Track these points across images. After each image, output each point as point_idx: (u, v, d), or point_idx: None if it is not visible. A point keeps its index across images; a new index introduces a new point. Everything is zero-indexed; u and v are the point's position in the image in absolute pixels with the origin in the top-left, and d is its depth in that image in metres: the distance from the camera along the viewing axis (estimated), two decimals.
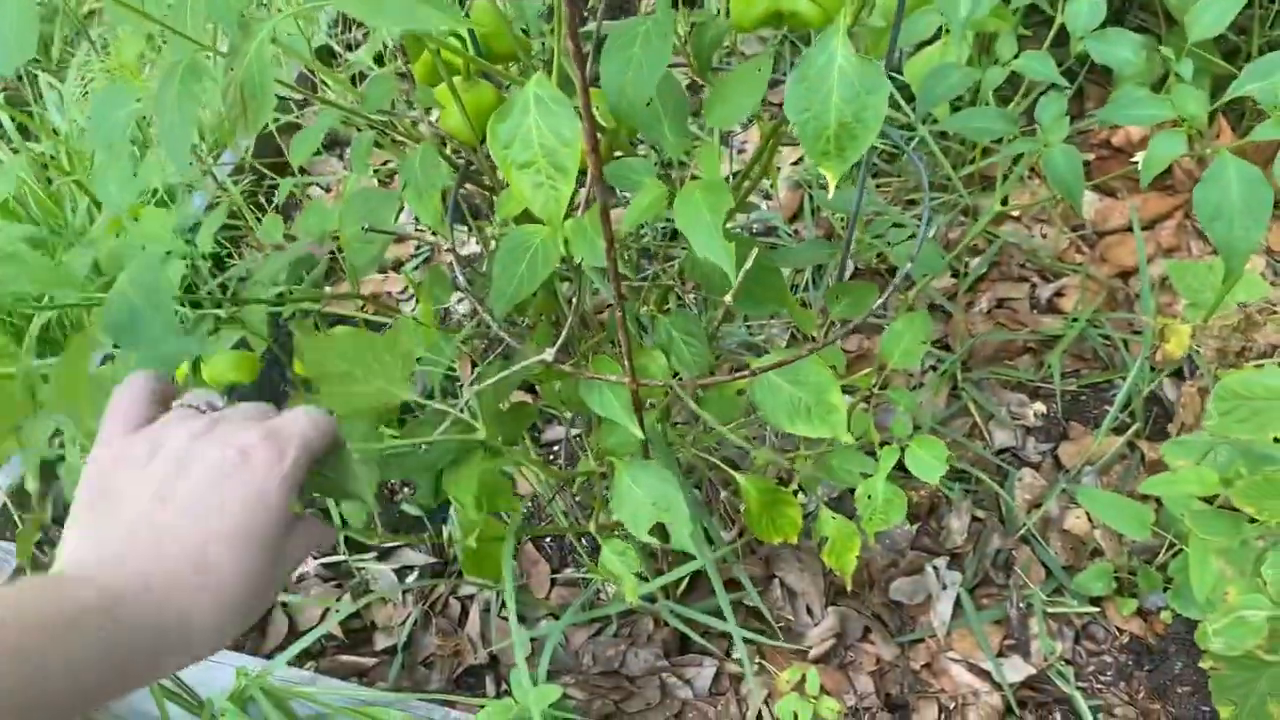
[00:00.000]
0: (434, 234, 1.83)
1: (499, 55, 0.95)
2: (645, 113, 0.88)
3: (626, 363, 0.82)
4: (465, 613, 1.37)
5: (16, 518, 1.41)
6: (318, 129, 0.94)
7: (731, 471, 1.04)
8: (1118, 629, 1.31)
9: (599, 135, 0.71)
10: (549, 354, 0.76)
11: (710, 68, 0.90)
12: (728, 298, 0.87)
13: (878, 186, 1.73)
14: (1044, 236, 1.71)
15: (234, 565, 0.52)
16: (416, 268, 1.77)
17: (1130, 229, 1.69)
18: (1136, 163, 1.64)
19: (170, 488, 0.53)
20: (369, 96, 0.94)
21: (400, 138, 1.38)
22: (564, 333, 0.79)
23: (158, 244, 0.67)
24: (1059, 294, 1.64)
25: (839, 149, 0.68)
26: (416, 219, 1.85)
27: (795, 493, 1.09)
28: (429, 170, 0.90)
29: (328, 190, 1.91)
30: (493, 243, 1.27)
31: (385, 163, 2.02)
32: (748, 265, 0.86)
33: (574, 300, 1.01)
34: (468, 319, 1.71)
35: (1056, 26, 1.14)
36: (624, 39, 0.78)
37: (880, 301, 1.00)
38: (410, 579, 1.40)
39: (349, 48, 1.95)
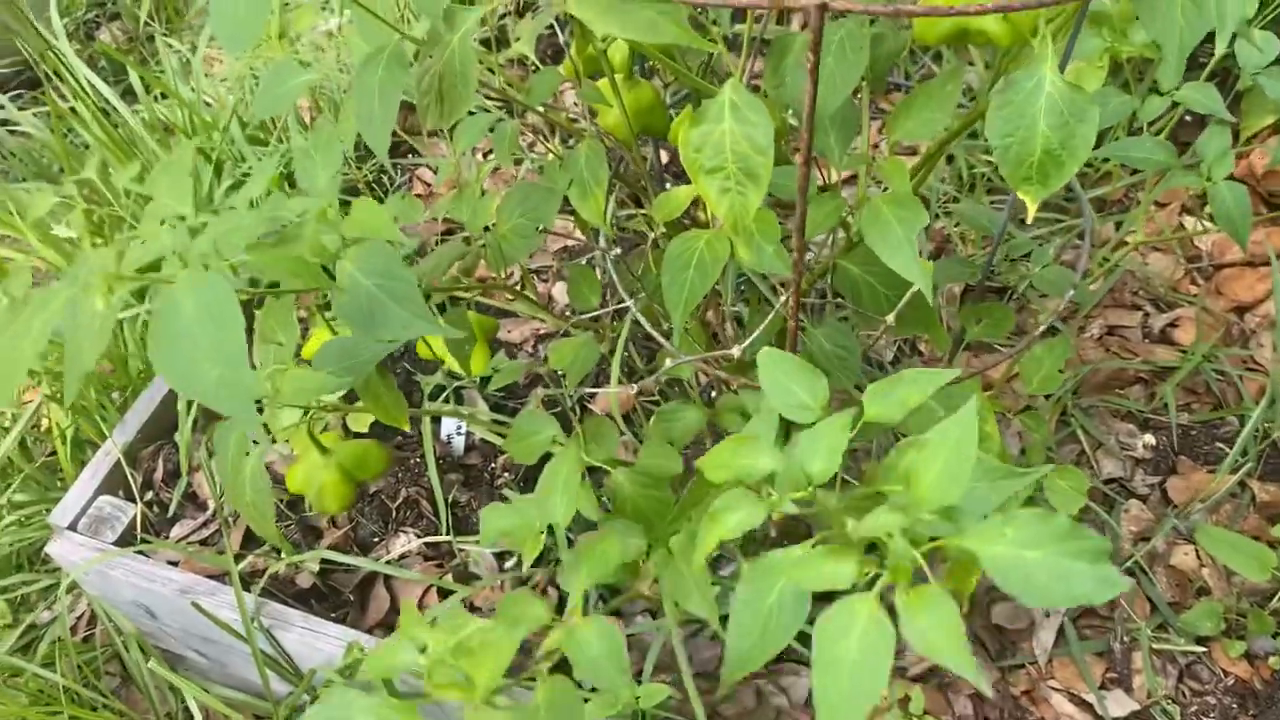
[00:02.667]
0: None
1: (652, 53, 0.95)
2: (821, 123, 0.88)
3: None
4: (564, 599, 1.37)
5: (128, 474, 1.44)
6: (486, 119, 0.95)
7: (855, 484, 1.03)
8: (1223, 670, 1.29)
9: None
10: (737, 350, 0.76)
11: (885, 81, 0.89)
12: (889, 317, 0.86)
13: (992, 203, 1.71)
14: (1180, 262, 1.68)
15: None
16: None
17: (1249, 264, 1.66)
18: None
19: None
20: (534, 88, 0.94)
21: (529, 131, 1.38)
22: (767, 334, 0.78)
23: (377, 234, 0.67)
24: (1172, 324, 1.62)
25: (1042, 176, 0.67)
26: None
27: None
28: (595, 167, 0.90)
29: (435, 171, 1.92)
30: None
31: (487, 152, 2.03)
32: (914, 288, 0.85)
33: (720, 302, 1.01)
34: (570, 309, 1.72)
35: (1217, 59, 1.12)
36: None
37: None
38: (509, 564, 1.41)
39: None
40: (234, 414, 0.57)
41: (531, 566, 1.41)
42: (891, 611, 0.55)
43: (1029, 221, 0.71)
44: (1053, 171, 0.68)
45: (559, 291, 1.75)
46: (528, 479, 1.49)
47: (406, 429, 0.88)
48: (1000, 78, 0.89)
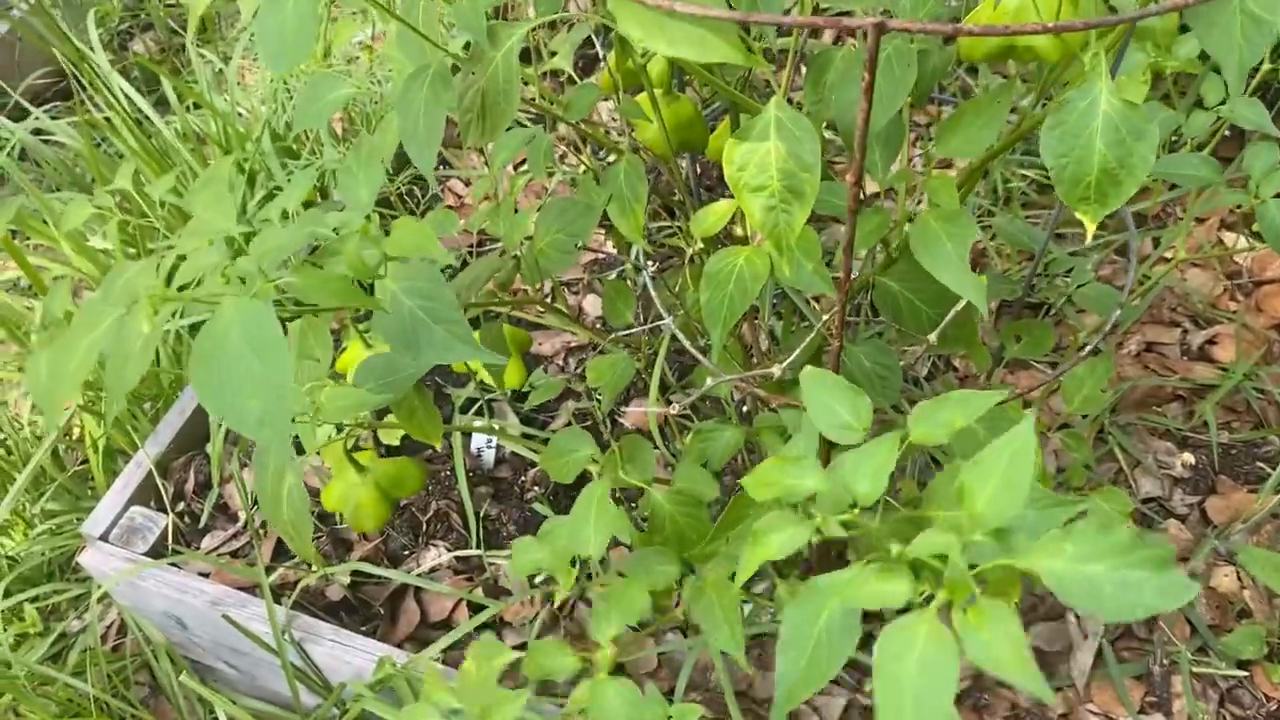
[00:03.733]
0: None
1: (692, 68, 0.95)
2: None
3: None
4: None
5: (160, 485, 1.44)
6: (523, 133, 0.94)
7: (900, 507, 1.02)
8: (1265, 695, 1.26)
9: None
10: (777, 370, 0.75)
11: (928, 98, 0.88)
12: (932, 336, 0.85)
13: (1027, 218, 1.69)
14: (1219, 278, 1.65)
15: None
16: None
17: None
18: None
19: None
20: (573, 103, 0.94)
21: (560, 142, 1.37)
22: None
23: (420, 253, 0.67)
24: (1211, 341, 1.59)
25: (1099, 196, 0.66)
26: None
27: None
28: (634, 183, 0.89)
29: (467, 183, 1.92)
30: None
31: (520, 164, 2.03)
32: (958, 305, 0.84)
33: (758, 319, 1.00)
34: (600, 322, 1.71)
35: (1262, 75, 1.11)
36: (862, 67, 0.76)
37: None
38: (540, 578, 1.40)
39: None
40: (273, 446, 0.57)
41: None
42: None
43: (1087, 241, 0.69)
44: (1110, 191, 0.67)
45: (590, 304, 1.75)
46: (558, 492, 1.48)
47: (439, 447, 0.88)
48: (1044, 93, 0.88)
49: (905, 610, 0.55)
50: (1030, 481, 0.56)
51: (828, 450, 0.85)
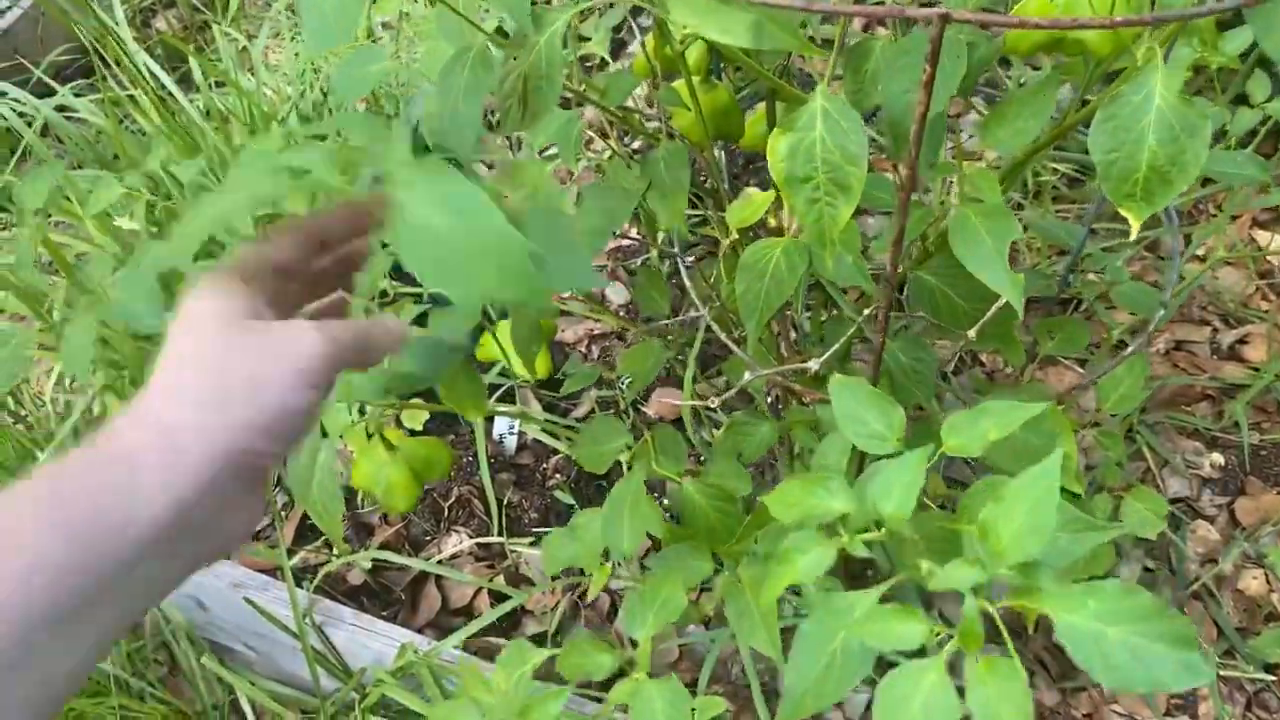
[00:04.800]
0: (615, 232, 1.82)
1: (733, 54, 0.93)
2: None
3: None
4: (614, 607, 1.36)
5: None
6: (560, 117, 0.93)
7: (930, 503, 1.01)
8: None
9: None
10: (814, 364, 0.73)
11: (973, 89, 0.87)
12: (972, 332, 0.84)
13: (1057, 212, 1.67)
14: (1251, 278, 1.63)
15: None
16: None
17: None
18: None
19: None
20: (610, 89, 0.93)
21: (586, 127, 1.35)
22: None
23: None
24: (1242, 341, 1.58)
25: (1147, 193, 0.64)
26: None
27: None
28: (675, 170, 0.88)
29: (490, 167, 1.91)
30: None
31: (546, 150, 2.02)
32: (999, 301, 0.83)
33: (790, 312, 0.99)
34: (623, 309, 1.70)
35: None
36: (909, 56, 0.75)
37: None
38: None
39: None
40: (531, 303, 0.51)
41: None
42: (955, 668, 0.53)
43: (1132, 238, 0.68)
44: (1158, 189, 0.65)
45: (612, 291, 1.74)
46: (580, 480, 1.47)
47: (480, 419, 0.87)
48: (1089, 87, 0.86)
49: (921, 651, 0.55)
50: (1054, 519, 0.54)
51: (861, 459, 0.84)
